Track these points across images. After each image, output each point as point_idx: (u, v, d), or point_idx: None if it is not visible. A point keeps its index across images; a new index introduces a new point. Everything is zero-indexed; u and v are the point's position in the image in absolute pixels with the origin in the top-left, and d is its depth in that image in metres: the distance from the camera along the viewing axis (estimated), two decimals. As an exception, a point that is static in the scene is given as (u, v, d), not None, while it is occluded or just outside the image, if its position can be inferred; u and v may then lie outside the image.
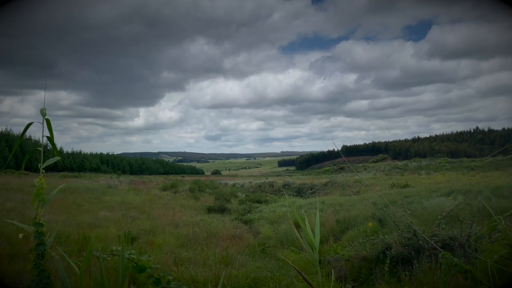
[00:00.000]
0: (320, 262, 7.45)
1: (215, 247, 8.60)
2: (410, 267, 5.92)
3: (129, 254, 2.22)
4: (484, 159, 52.30)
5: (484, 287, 2.68)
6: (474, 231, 6.38)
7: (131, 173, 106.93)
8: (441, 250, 3.39)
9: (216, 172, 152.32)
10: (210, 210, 18.06)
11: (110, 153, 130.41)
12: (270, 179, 46.95)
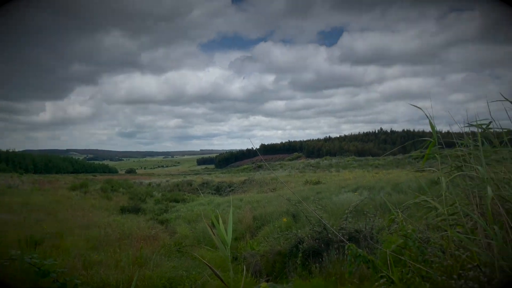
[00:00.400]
0: (236, 258, 7.55)
1: (128, 248, 8.27)
2: (320, 259, 6.25)
3: (30, 259, 2.05)
4: (386, 158, 57.12)
5: (383, 275, 2.93)
6: (377, 224, 6.95)
7: (36, 172, 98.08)
8: (347, 242, 3.64)
9: (130, 171, 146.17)
10: (123, 210, 17.33)
11: (11, 150, 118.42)
12: (189, 178, 46.42)
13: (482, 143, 3.33)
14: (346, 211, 7.39)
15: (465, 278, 2.18)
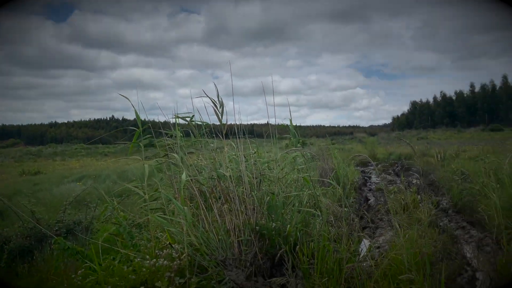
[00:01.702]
0: None
1: None
2: (31, 258, 5.67)
3: None
4: (117, 146, 56.89)
5: (89, 263, 2.88)
6: (97, 214, 6.83)
7: None
8: (54, 236, 3.40)
9: None
10: None
11: None
12: None
13: (188, 134, 3.75)
14: (65, 203, 6.98)
15: (159, 256, 2.41)
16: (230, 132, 3.70)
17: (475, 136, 41.00)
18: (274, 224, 3.22)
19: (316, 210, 3.75)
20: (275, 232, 3.22)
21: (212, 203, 3.16)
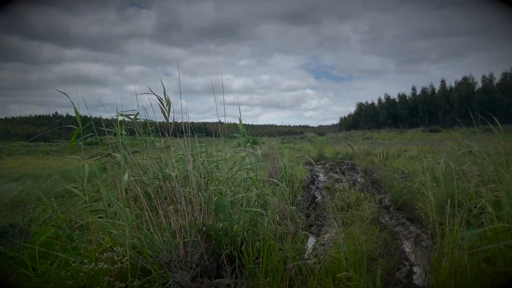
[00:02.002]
0: None
1: None
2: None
3: None
4: (60, 144, 54.13)
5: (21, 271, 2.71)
6: (36, 216, 6.47)
7: None
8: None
9: None
10: None
11: None
12: None
13: (133, 132, 3.63)
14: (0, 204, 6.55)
15: (100, 260, 2.31)
16: (178, 130, 3.62)
17: (416, 137, 43.41)
18: (221, 224, 3.20)
19: (265, 210, 3.78)
20: (222, 233, 3.20)
21: (157, 204, 3.09)
